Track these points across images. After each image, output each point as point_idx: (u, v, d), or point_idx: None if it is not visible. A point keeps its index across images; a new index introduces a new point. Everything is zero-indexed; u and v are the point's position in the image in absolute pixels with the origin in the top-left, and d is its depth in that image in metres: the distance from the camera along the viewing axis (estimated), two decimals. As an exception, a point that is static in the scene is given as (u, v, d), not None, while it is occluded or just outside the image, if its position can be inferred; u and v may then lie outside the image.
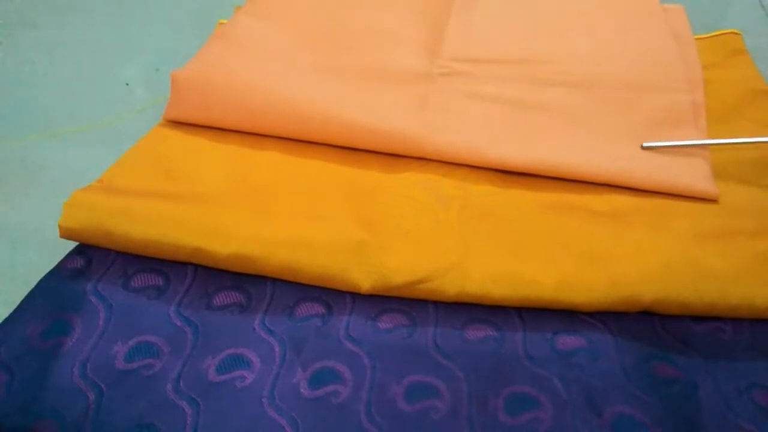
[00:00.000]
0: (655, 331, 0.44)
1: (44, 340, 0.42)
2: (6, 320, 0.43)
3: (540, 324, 0.44)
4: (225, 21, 0.73)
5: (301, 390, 0.40)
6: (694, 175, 0.52)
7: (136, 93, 0.69)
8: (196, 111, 0.58)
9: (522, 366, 0.41)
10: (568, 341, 0.43)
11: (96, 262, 0.47)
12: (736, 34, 0.71)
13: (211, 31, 0.71)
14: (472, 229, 0.48)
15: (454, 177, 0.53)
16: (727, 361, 0.42)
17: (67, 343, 0.42)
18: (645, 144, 0.55)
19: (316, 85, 0.59)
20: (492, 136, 0.55)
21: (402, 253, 0.46)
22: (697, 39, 0.69)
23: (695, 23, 0.71)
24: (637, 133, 0.56)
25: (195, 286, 0.46)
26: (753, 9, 0.79)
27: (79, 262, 0.47)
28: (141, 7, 0.84)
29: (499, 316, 0.44)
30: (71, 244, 0.48)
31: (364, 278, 0.44)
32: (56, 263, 0.47)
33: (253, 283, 0.46)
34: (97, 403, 0.38)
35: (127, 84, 0.70)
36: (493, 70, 0.63)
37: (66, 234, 0.47)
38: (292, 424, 0.38)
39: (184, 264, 0.47)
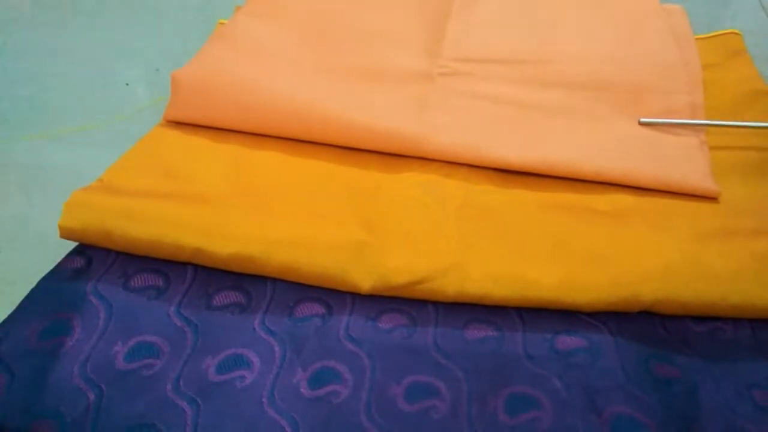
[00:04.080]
0: (655, 331, 0.44)
1: (44, 340, 0.42)
2: (6, 320, 0.43)
3: (540, 324, 0.44)
4: (225, 21, 0.73)
5: (301, 390, 0.40)
6: (694, 173, 0.52)
7: (136, 93, 0.69)
8: (196, 111, 0.58)
9: (522, 366, 0.41)
10: (568, 341, 0.43)
11: (96, 262, 0.47)
12: (736, 34, 0.71)
13: (211, 31, 0.71)
14: (472, 229, 0.48)
15: (454, 177, 0.53)
16: (727, 361, 0.42)
17: (67, 343, 0.42)
18: (642, 120, 0.56)
19: (316, 85, 0.59)
20: (492, 136, 0.55)
21: (402, 254, 0.46)
22: (697, 39, 0.69)
23: (695, 23, 0.71)
24: (637, 133, 0.56)
25: (195, 286, 0.46)
26: (753, 9, 0.79)
27: (79, 262, 0.47)
28: (141, 8, 0.84)
29: (499, 316, 0.44)
30: (71, 244, 0.48)
31: (364, 278, 0.44)
32: (56, 263, 0.47)
33: (253, 283, 0.46)
34: (97, 403, 0.38)
35: (127, 84, 0.70)
36: (493, 70, 0.63)
37: (66, 234, 0.47)
38: (292, 424, 0.38)
39: (184, 264, 0.47)
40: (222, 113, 0.57)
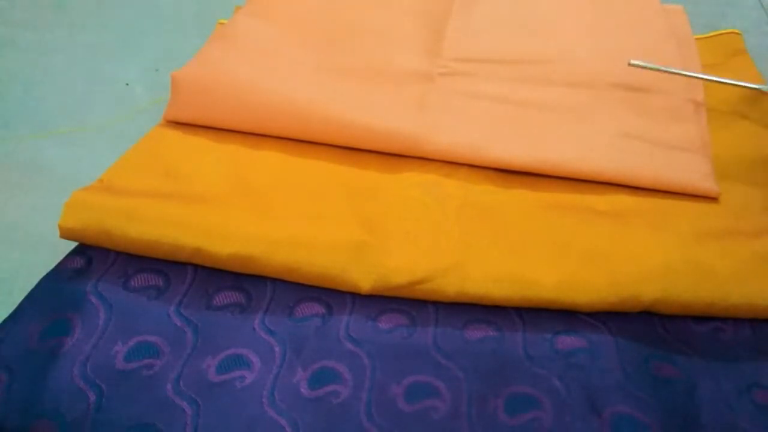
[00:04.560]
0: (655, 331, 0.44)
1: (44, 340, 0.42)
2: (6, 320, 0.43)
3: (540, 324, 0.44)
4: (225, 21, 0.73)
5: (301, 390, 0.40)
6: (694, 173, 0.52)
7: (136, 93, 0.69)
8: (196, 111, 0.58)
9: (522, 366, 0.41)
10: (568, 341, 0.43)
11: (96, 262, 0.47)
12: (736, 34, 0.71)
13: (211, 31, 0.71)
14: (472, 228, 0.48)
15: (454, 177, 0.53)
16: (727, 361, 0.42)
17: (67, 343, 0.42)
18: (632, 61, 0.56)
19: (316, 85, 0.59)
20: (492, 136, 0.55)
21: (402, 253, 0.46)
22: (697, 39, 0.69)
23: (695, 23, 0.71)
24: (638, 133, 0.56)
25: (195, 286, 0.46)
26: (753, 9, 0.79)
27: (79, 262, 0.47)
28: (141, 8, 0.84)
29: (499, 316, 0.44)
30: (71, 244, 0.48)
31: (364, 278, 0.44)
32: (56, 263, 0.47)
33: (253, 283, 0.46)
34: (97, 403, 0.38)
35: (127, 84, 0.70)
36: (494, 69, 0.63)
37: (66, 234, 0.47)
38: (292, 424, 0.38)
39: (184, 264, 0.47)
40: (222, 113, 0.57)
